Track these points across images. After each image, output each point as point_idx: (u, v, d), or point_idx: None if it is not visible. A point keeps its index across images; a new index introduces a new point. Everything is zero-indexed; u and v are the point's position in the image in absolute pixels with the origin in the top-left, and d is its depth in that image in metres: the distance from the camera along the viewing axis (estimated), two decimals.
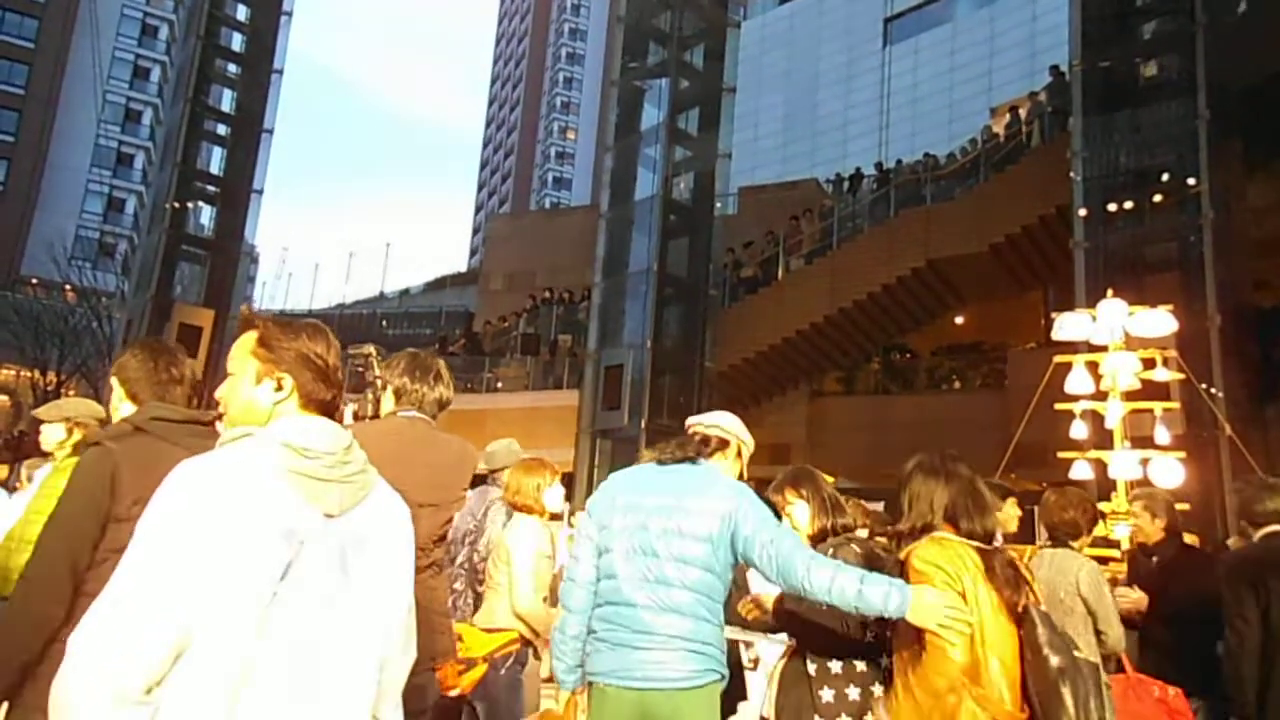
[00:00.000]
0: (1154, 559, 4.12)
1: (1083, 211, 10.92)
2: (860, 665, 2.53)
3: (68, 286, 32.88)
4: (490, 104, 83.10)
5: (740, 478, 2.60)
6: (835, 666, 2.52)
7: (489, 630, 3.33)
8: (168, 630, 1.21)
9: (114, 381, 2.22)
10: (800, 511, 2.75)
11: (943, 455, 2.42)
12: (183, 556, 1.24)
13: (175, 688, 1.23)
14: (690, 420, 2.71)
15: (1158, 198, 10.77)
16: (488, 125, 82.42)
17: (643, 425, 13.27)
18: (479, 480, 4.28)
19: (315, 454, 1.37)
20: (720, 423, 2.65)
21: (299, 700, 1.29)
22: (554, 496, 3.70)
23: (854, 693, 2.51)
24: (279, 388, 1.44)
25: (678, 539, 2.33)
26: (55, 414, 3.40)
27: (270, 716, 1.26)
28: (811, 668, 2.54)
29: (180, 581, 1.23)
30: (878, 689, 2.51)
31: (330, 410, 1.48)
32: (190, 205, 16.56)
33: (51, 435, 3.39)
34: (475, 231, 71.97)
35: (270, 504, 1.32)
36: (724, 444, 2.59)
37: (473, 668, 3.20)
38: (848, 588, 2.15)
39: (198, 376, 2.29)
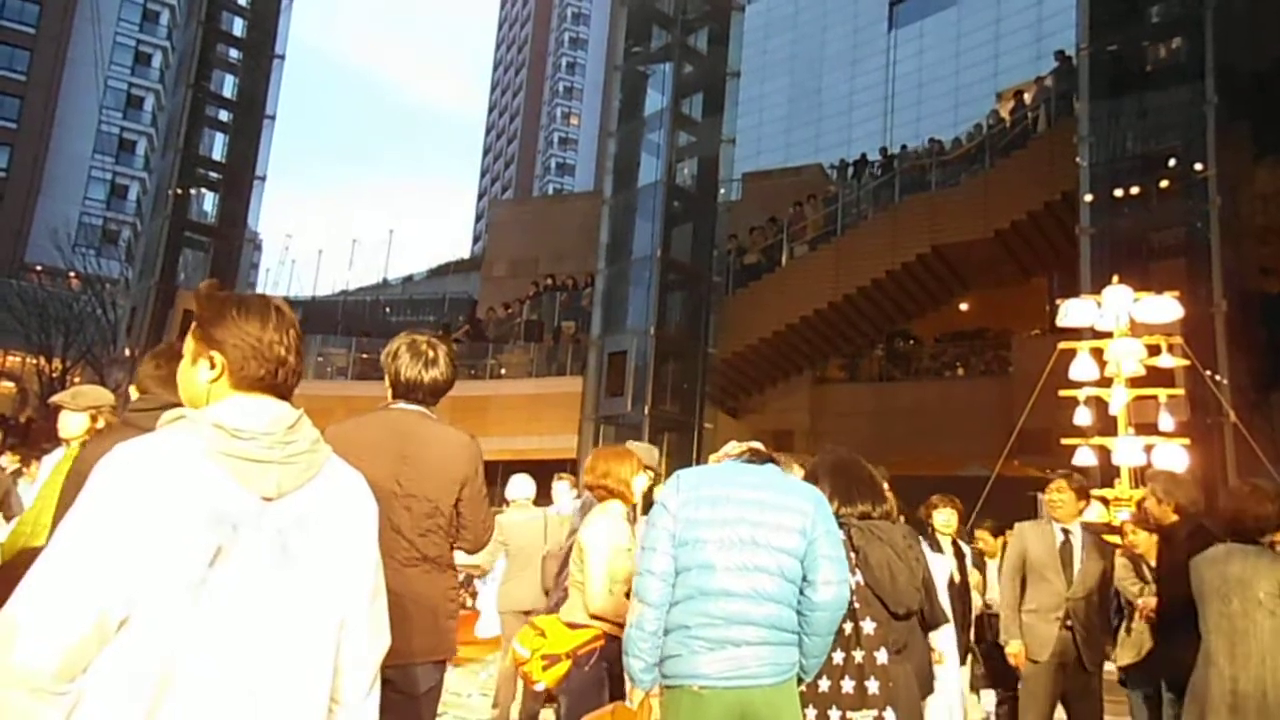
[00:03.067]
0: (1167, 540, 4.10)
1: (1089, 197, 10.86)
2: (837, 658, 2.54)
3: (72, 273, 32.86)
4: (493, 89, 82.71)
5: None
6: None
7: (572, 626, 3.28)
8: (83, 618, 1.18)
9: (132, 388, 2.44)
10: None
11: None
12: (99, 543, 1.21)
13: (98, 676, 1.20)
14: (745, 444, 2.70)
15: (1164, 183, 10.71)
16: (490, 111, 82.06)
17: (646, 411, 13.28)
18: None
19: (250, 434, 1.33)
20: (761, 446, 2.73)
21: (233, 687, 1.26)
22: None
23: (824, 684, 2.53)
24: (211, 366, 1.42)
25: (775, 530, 2.34)
26: (80, 402, 3.34)
27: (202, 704, 1.23)
28: None
29: (96, 568, 1.20)
30: (848, 683, 2.51)
31: (278, 389, 1.42)
32: (193, 191, 16.55)
33: (74, 423, 3.33)
34: (478, 218, 71.82)
35: (196, 487, 1.28)
36: (776, 461, 2.66)
37: (556, 663, 3.21)
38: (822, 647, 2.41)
39: None
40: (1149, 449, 5.94)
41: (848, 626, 2.54)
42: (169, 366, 2.25)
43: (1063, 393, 6.39)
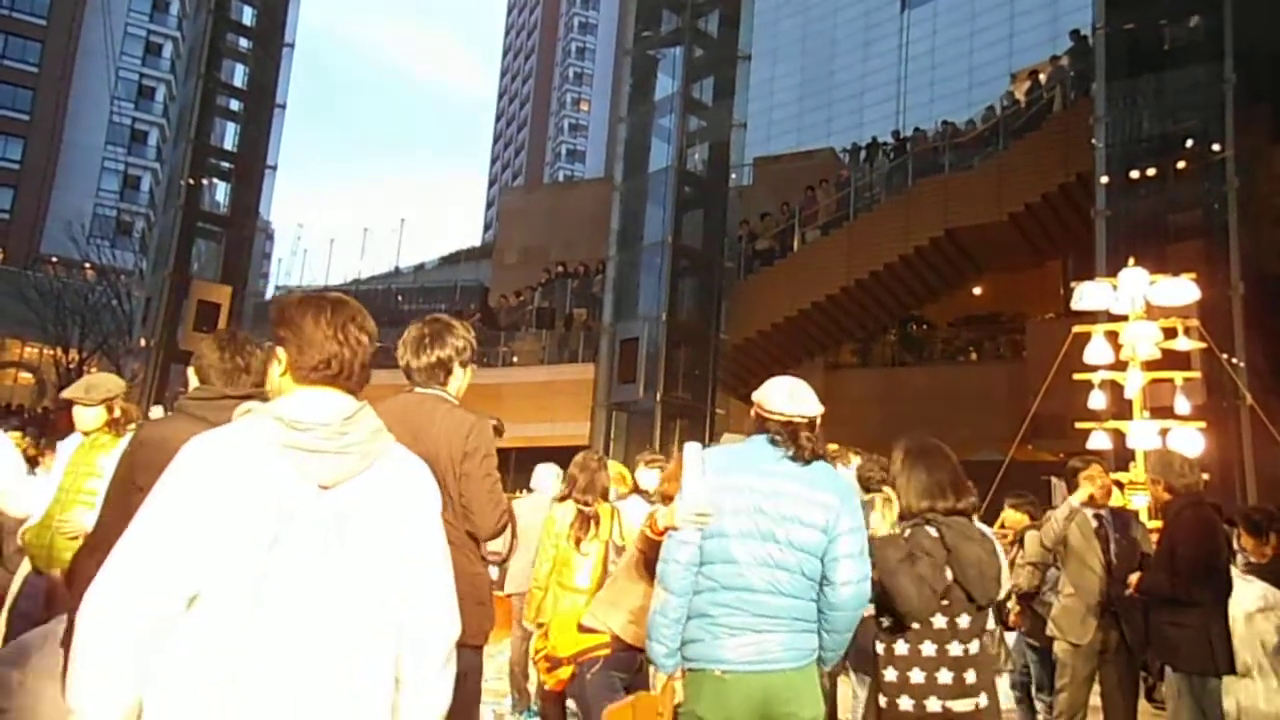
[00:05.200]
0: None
1: (1105, 179, 10.74)
2: (928, 650, 2.58)
3: (87, 265, 33.16)
4: (502, 75, 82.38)
5: None
6: None
7: (584, 629, 3.16)
8: (159, 593, 1.29)
9: (190, 370, 2.48)
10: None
11: None
12: (175, 526, 1.32)
13: (170, 653, 1.30)
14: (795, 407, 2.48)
15: (1181, 164, 10.58)
16: (500, 97, 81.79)
17: (658, 398, 13.30)
18: None
19: (307, 426, 1.41)
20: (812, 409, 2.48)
21: (291, 668, 1.33)
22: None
23: (918, 676, 2.56)
24: (279, 363, 1.54)
25: (795, 525, 2.31)
26: (95, 396, 3.36)
27: (262, 683, 1.31)
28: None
29: (171, 548, 1.31)
30: (944, 675, 2.55)
31: (338, 381, 1.51)
32: (205, 182, 16.61)
33: (90, 417, 3.35)
34: (489, 205, 71.72)
35: (258, 476, 1.37)
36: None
37: (559, 667, 3.19)
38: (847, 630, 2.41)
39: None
40: (1164, 433, 5.90)
41: (941, 621, 2.55)
42: (233, 361, 2.40)
43: (1077, 376, 6.34)
